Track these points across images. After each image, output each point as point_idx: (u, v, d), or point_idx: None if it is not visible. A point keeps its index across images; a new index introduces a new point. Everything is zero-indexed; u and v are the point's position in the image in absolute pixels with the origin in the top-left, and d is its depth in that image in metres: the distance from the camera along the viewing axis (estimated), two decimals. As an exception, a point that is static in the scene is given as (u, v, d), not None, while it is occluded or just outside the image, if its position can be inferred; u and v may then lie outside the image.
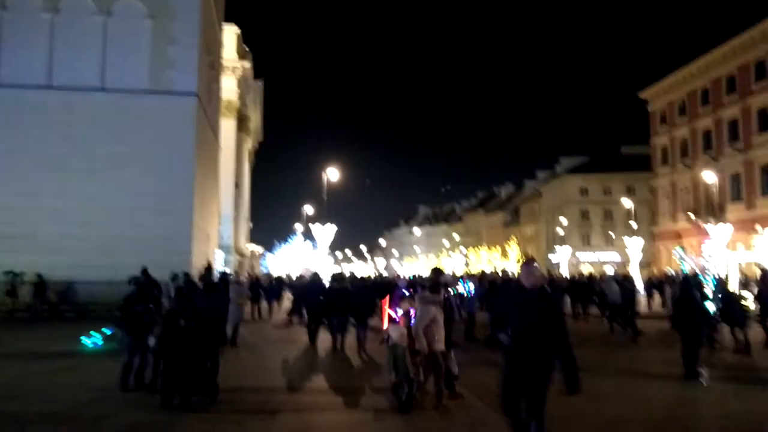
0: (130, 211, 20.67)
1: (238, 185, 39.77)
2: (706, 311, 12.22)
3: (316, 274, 18.50)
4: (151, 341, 8.67)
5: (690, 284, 10.95)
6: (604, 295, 18.07)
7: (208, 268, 13.15)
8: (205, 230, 24.75)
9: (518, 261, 64.10)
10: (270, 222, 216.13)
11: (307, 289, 16.31)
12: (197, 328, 8.40)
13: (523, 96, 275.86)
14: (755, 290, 15.15)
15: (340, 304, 13.28)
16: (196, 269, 21.13)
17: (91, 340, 12.95)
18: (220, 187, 31.94)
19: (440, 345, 7.41)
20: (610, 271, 44.66)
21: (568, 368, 4.59)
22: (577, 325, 18.51)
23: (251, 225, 51.86)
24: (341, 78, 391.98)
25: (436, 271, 8.66)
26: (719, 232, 35.33)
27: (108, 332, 12.67)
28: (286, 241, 55.06)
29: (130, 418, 7.21)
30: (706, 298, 12.98)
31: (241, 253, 40.73)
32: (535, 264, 5.14)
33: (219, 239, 31.04)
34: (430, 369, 7.49)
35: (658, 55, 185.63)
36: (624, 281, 17.30)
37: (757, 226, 37.11)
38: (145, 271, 13.57)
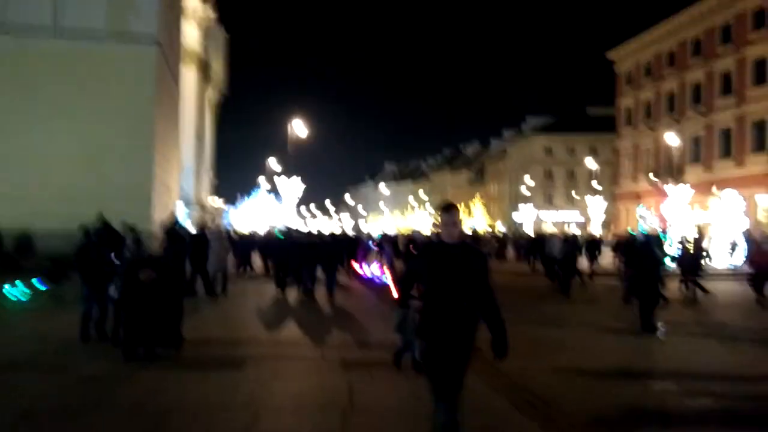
0: (88, 160, 19.93)
1: (200, 137, 38.72)
2: (665, 268, 12.57)
3: (287, 228, 18.59)
4: (113, 291, 8.44)
5: (651, 242, 11.23)
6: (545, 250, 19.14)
7: (172, 219, 12.84)
8: (166, 182, 24.10)
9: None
10: (234, 176, 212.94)
11: (278, 242, 16.55)
12: (159, 278, 8.21)
13: (492, 54, 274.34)
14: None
15: (309, 256, 14.01)
16: (157, 221, 20.68)
17: (15, 291, 11.94)
18: (182, 139, 31.00)
19: None
20: (575, 230, 45.68)
21: (496, 331, 3.85)
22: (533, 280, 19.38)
23: (214, 178, 50.86)
24: (308, 31, 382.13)
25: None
26: (678, 193, 36.31)
27: (39, 285, 12.03)
28: (249, 195, 54.40)
29: (91, 369, 7.04)
30: (665, 255, 13.35)
31: (203, 206, 40.02)
32: (457, 211, 3.93)
33: (180, 192, 30.32)
34: None
35: (628, 16, 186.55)
36: (568, 240, 18.06)
37: (714, 189, 38.27)
38: (102, 220, 13.15)
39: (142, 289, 7.97)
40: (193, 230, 16.34)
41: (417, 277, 4.11)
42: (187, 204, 31.81)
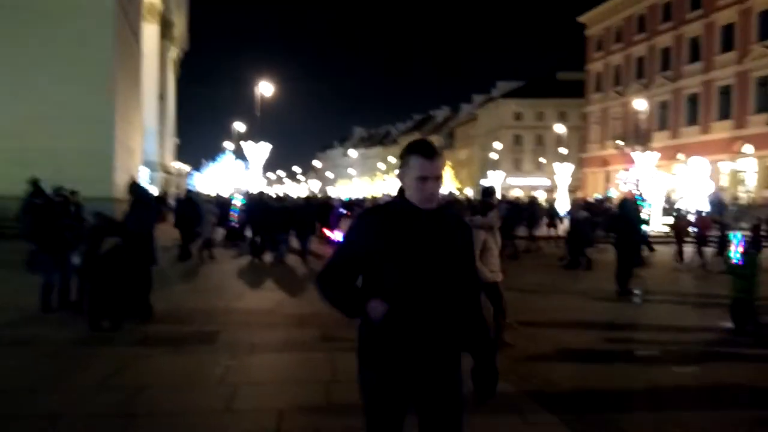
0: (42, 120, 18.76)
1: (162, 97, 37.26)
2: (643, 233, 12.61)
3: (261, 193, 18.34)
4: (75, 260, 7.93)
5: (628, 207, 11.16)
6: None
7: (134, 184, 12.23)
8: (128, 144, 23.06)
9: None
10: (198, 139, 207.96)
11: (251, 206, 16.32)
12: (126, 246, 7.72)
13: (463, 19, 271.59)
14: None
15: (281, 220, 14.17)
16: (119, 186, 19.87)
17: None
18: (143, 99, 29.71)
19: (496, 275, 6.54)
20: (541, 195, 45.98)
21: (480, 348, 2.46)
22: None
23: (178, 141, 49.34)
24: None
25: (488, 191, 7.43)
26: (645, 159, 36.75)
27: None
28: (214, 159, 53.08)
29: (55, 340, 6.59)
30: (643, 221, 13.41)
31: (167, 171, 38.81)
32: (442, 158, 2.48)
33: (143, 155, 29.20)
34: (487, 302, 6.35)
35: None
36: (529, 205, 19.09)
37: (679, 155, 38.88)
38: (34, 183, 12.47)
39: (108, 257, 7.50)
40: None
41: (360, 262, 2.38)
42: (151, 168, 30.72)
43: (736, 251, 7.95)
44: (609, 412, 4.84)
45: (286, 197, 17.63)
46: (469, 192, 61.69)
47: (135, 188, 8.75)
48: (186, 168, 51.49)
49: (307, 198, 18.88)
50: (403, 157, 2.42)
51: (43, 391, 4.98)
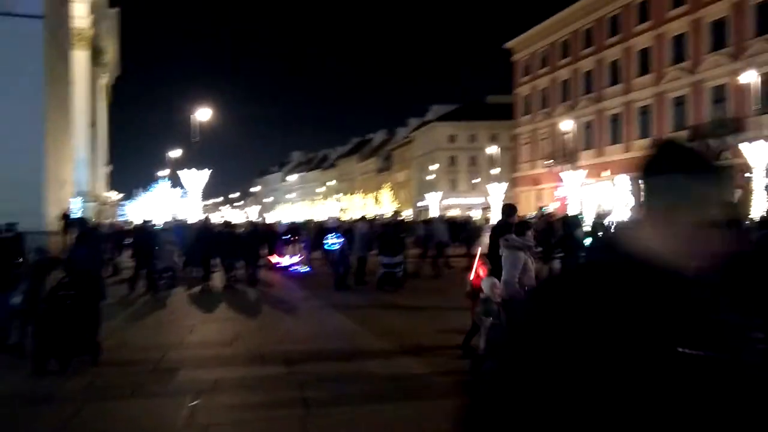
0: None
1: (93, 124, 35.97)
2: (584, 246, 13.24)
3: (207, 219, 18.35)
4: (16, 299, 7.56)
5: (572, 224, 11.79)
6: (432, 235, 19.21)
7: (81, 219, 11.78)
8: (59, 174, 22.11)
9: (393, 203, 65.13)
10: (131, 166, 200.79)
11: (199, 233, 16.26)
12: (72, 282, 7.44)
13: (398, 46, 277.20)
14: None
15: (230, 247, 14.66)
16: (50, 218, 19.02)
17: None
18: (74, 127, 28.59)
19: None
20: (475, 214, 47.14)
21: None
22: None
23: (110, 169, 47.60)
24: (208, 14, 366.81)
25: (508, 210, 7.16)
26: (573, 177, 38.52)
27: None
28: (148, 188, 51.46)
29: (-2, 388, 6.22)
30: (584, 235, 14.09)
31: (99, 200, 37.32)
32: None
33: (74, 185, 28.00)
34: None
35: (525, 7, 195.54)
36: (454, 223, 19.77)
37: (605, 172, 40.96)
38: None
39: (52, 294, 7.20)
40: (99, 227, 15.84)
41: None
42: (82, 198, 29.45)
43: None
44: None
45: (234, 224, 17.61)
46: (408, 212, 62.45)
47: (80, 223, 8.49)
48: (118, 197, 49.62)
49: (253, 224, 18.69)
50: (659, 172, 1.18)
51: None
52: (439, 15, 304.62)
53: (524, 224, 6.78)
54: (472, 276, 7.21)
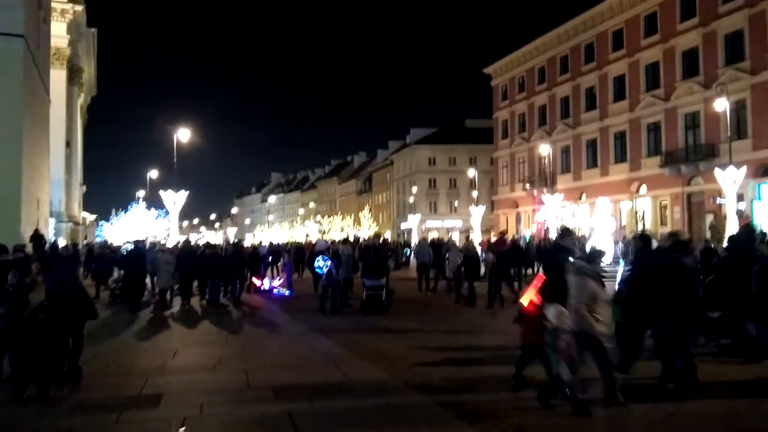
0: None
1: (69, 144, 35.49)
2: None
3: (187, 241, 18.38)
4: (-6, 324, 7.32)
5: (553, 248, 11.84)
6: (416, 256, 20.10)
7: (53, 244, 11.51)
8: (35, 194, 21.69)
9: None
10: (108, 187, 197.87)
11: (181, 254, 16.35)
12: (54, 305, 7.25)
13: (378, 70, 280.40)
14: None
15: (213, 267, 15.01)
16: (26, 237, 18.58)
17: None
18: (51, 147, 28.17)
19: (603, 327, 5.90)
20: (455, 236, 47.36)
21: None
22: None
23: (84, 190, 46.88)
24: (186, 36, 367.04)
25: (566, 232, 6.76)
26: (552, 200, 39.01)
27: None
28: (125, 208, 50.66)
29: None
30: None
31: (74, 221, 36.66)
32: None
33: (49, 205, 27.50)
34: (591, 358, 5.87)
35: (505, 34, 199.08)
36: (440, 245, 19.41)
37: (583, 196, 41.59)
38: None
39: (32, 318, 6.99)
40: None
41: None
42: (57, 218, 28.91)
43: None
44: None
45: (215, 245, 17.72)
46: (388, 234, 62.44)
47: (52, 247, 8.29)
48: (93, 218, 48.75)
49: (236, 245, 18.54)
50: None
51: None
52: (419, 39, 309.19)
53: (598, 252, 6.45)
54: (524, 301, 6.81)
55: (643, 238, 7.89)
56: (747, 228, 8.08)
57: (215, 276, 15.10)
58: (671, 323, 6.60)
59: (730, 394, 6.56)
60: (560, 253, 6.44)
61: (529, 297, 6.75)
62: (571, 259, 6.41)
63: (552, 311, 5.96)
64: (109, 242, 30.69)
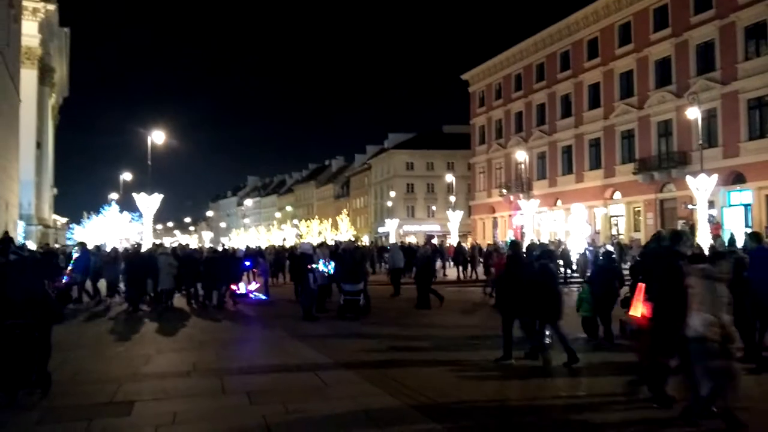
0: None
1: (40, 146, 34.74)
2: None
3: (161, 245, 18.62)
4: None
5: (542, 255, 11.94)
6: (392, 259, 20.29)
7: (8, 240, 11.06)
8: (4, 197, 21.16)
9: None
10: (80, 190, 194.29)
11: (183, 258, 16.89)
12: (23, 310, 7.03)
13: (357, 75, 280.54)
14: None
15: (193, 272, 15.77)
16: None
17: None
18: (20, 147, 27.54)
19: (735, 336, 5.54)
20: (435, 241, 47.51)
21: None
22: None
23: (56, 192, 45.90)
24: (162, 37, 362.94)
25: (677, 236, 6.12)
26: (528, 206, 39.36)
27: None
28: (97, 211, 49.65)
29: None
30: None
31: (45, 224, 35.86)
32: None
33: (19, 207, 26.86)
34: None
35: (482, 41, 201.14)
36: (417, 249, 20.40)
37: (558, 202, 42.06)
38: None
39: (0, 324, 6.78)
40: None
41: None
42: (27, 221, 28.23)
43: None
44: None
45: (198, 250, 17.94)
46: (366, 239, 62.34)
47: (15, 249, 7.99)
48: (64, 221, 47.72)
49: (215, 250, 18.38)
50: None
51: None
52: (398, 45, 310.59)
53: (719, 254, 5.99)
54: (636, 312, 6.34)
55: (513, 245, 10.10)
56: (658, 236, 8.15)
57: (194, 281, 15.93)
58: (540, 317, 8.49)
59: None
60: (678, 259, 5.87)
61: (640, 310, 6.30)
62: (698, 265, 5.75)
63: (698, 320, 5.39)
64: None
